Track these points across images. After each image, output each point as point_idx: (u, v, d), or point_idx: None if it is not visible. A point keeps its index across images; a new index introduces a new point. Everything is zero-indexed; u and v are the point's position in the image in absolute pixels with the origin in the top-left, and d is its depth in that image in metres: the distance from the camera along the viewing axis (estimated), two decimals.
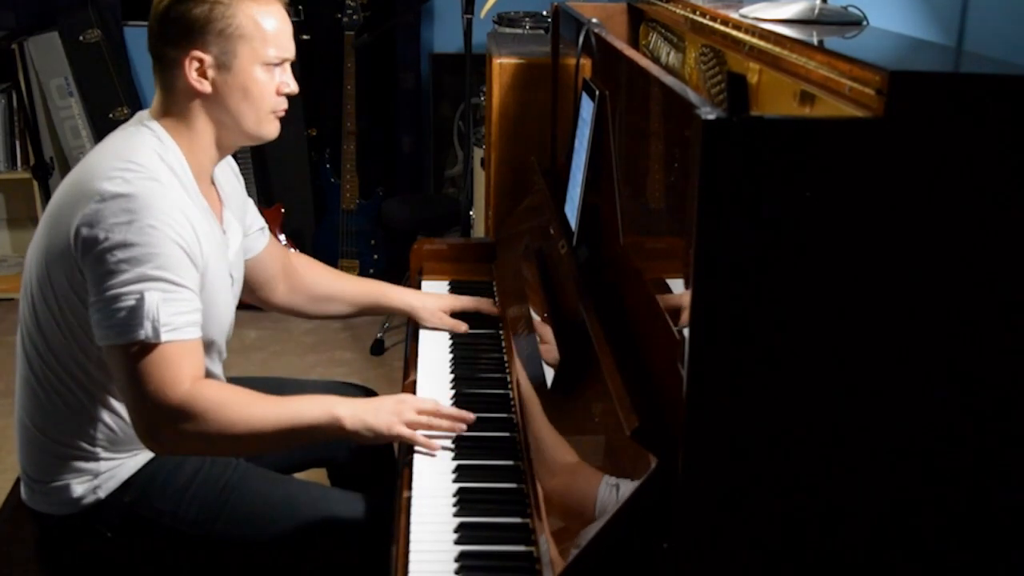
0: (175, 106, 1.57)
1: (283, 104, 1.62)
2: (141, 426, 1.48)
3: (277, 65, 1.58)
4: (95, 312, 1.44)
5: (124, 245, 1.42)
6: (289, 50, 1.60)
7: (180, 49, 1.52)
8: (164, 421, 1.45)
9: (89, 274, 1.44)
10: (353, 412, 1.53)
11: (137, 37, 4.21)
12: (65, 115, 4.16)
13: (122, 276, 1.42)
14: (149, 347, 1.42)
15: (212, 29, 1.51)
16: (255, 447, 1.60)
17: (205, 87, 1.54)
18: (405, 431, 1.54)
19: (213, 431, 1.46)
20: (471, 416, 1.60)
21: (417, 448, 1.54)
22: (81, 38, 4.06)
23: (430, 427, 1.56)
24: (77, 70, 4.09)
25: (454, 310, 2.02)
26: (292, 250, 1.95)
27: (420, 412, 1.56)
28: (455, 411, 1.60)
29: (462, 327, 1.99)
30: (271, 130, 1.62)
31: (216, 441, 1.48)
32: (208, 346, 1.62)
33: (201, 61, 1.53)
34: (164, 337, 1.42)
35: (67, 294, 1.50)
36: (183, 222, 1.47)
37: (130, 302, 1.41)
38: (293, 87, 1.61)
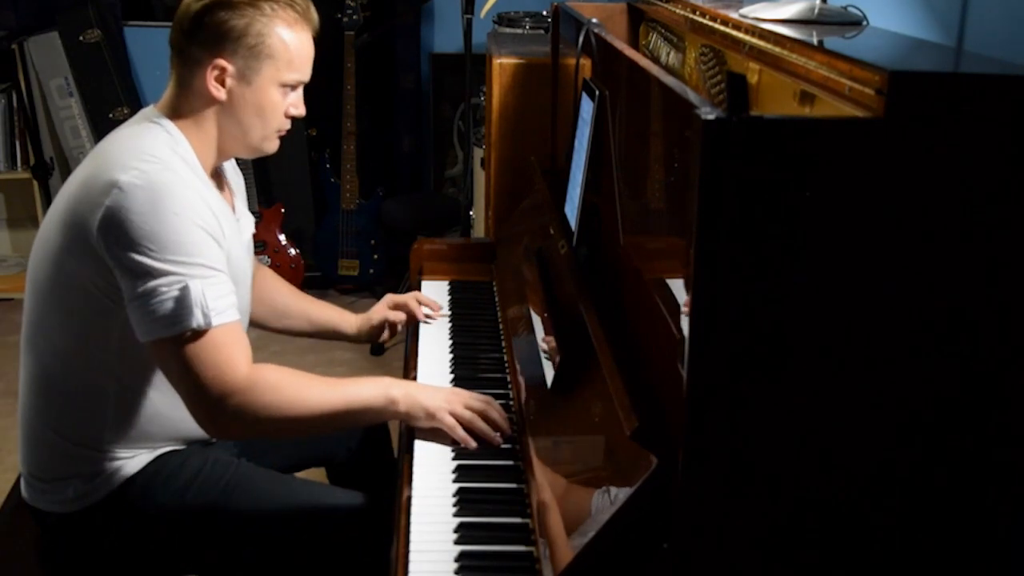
0: (186, 104, 1.57)
1: (288, 125, 1.64)
2: (203, 413, 1.48)
3: (292, 88, 1.60)
4: (135, 310, 1.44)
5: (154, 238, 1.42)
6: (307, 75, 1.62)
7: (206, 52, 1.53)
8: (226, 405, 1.45)
9: (120, 270, 1.44)
10: (407, 392, 1.56)
11: (137, 37, 4.21)
12: (65, 115, 4.16)
13: (158, 268, 1.42)
14: (200, 334, 1.43)
15: (244, 43, 1.53)
16: (313, 427, 1.60)
17: (221, 94, 1.55)
18: (449, 420, 1.55)
19: (274, 413, 1.47)
20: (506, 431, 1.58)
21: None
22: (81, 38, 4.06)
23: (471, 425, 1.56)
24: (77, 70, 4.09)
25: (395, 304, 2.05)
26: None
27: (468, 407, 1.57)
28: (500, 418, 1.58)
29: (401, 317, 2.02)
30: (272, 147, 1.65)
31: (277, 423, 1.49)
32: None
33: (223, 70, 1.53)
34: (215, 321, 1.43)
35: (86, 288, 1.50)
36: (204, 208, 1.48)
37: (174, 293, 1.42)
38: (302, 111, 1.63)
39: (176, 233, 1.43)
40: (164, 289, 1.42)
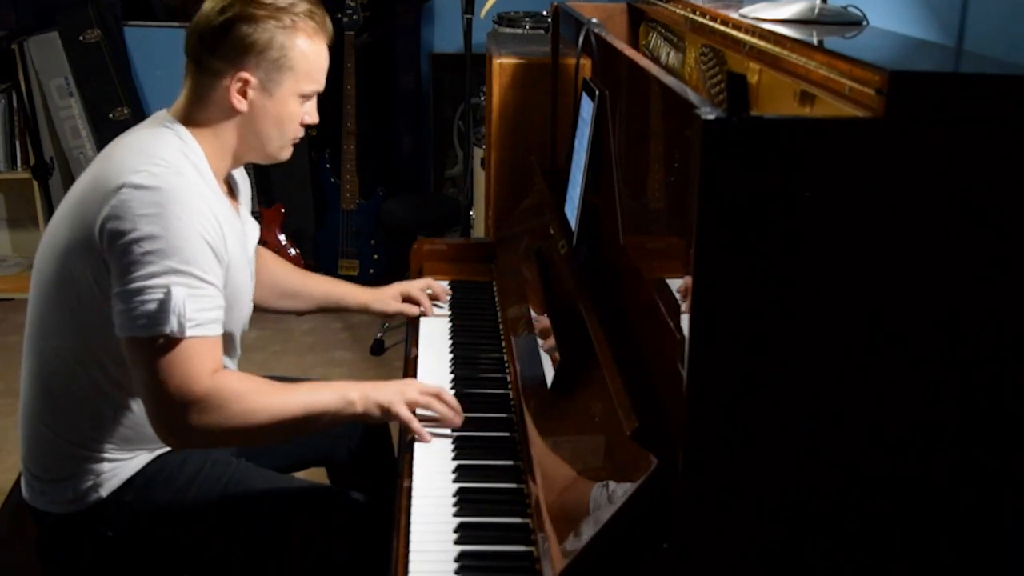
0: (203, 113, 1.57)
1: (302, 133, 1.65)
2: (161, 420, 1.48)
3: (309, 98, 1.62)
4: (118, 302, 1.44)
5: (151, 237, 1.42)
6: (322, 84, 1.64)
7: (229, 64, 1.54)
8: (185, 415, 1.45)
9: (114, 265, 1.44)
10: (363, 393, 1.56)
11: (137, 37, 4.21)
12: (65, 115, 4.16)
13: (148, 268, 1.42)
14: (173, 342, 1.43)
15: (267, 56, 1.54)
16: (274, 436, 1.60)
17: (242, 106, 1.56)
18: (404, 411, 1.56)
19: (234, 423, 1.47)
20: (460, 416, 1.60)
21: (415, 438, 1.56)
22: (81, 38, 4.06)
23: (429, 407, 1.58)
24: (77, 70, 4.08)
25: (404, 294, 2.08)
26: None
27: (423, 393, 1.59)
28: (454, 402, 1.61)
29: (415, 311, 2.04)
30: (286, 155, 1.67)
31: (236, 432, 1.49)
32: (227, 340, 1.63)
33: (246, 82, 1.54)
34: (189, 333, 1.43)
35: (89, 289, 1.50)
36: (210, 217, 1.48)
37: (157, 295, 1.42)
38: (315, 118, 1.65)
39: (175, 238, 1.43)
40: (149, 290, 1.42)
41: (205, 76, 1.56)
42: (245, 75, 1.54)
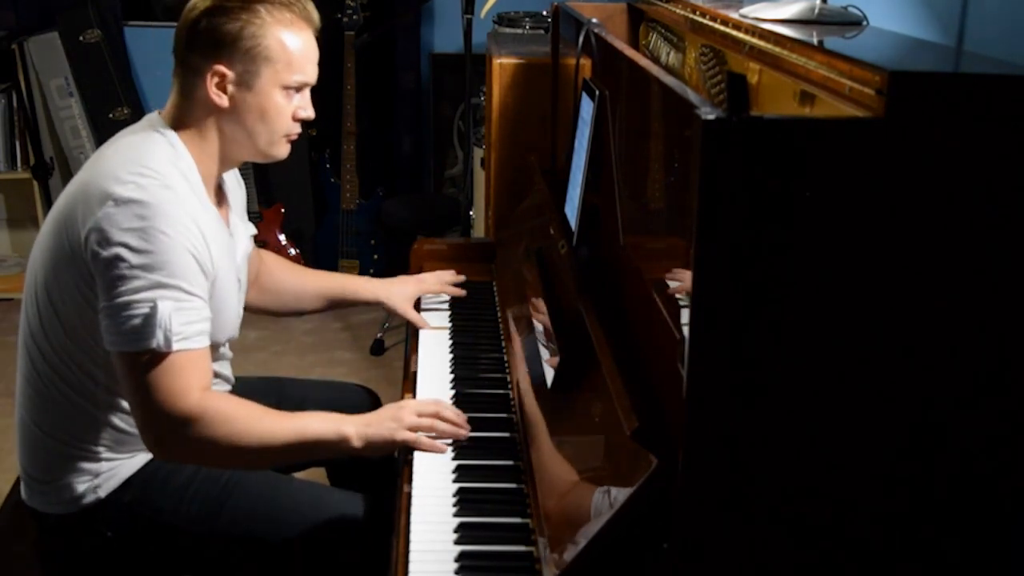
0: (190, 113, 1.56)
1: (297, 128, 1.61)
2: (148, 433, 1.48)
3: (297, 90, 1.59)
4: (105, 317, 1.44)
5: (137, 252, 1.41)
6: (311, 76, 1.60)
7: (204, 60, 1.52)
8: (172, 430, 1.46)
9: (99, 278, 1.44)
10: (357, 429, 1.53)
11: (137, 37, 4.21)
12: (65, 115, 4.16)
13: (134, 283, 1.41)
14: (160, 356, 1.43)
15: (240, 47, 1.51)
16: (261, 460, 1.59)
17: (223, 101, 1.54)
18: (408, 436, 1.53)
19: (221, 443, 1.47)
20: (464, 424, 1.58)
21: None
22: (81, 38, 4.06)
23: (432, 429, 1.55)
24: (77, 70, 4.08)
25: (421, 294, 2.07)
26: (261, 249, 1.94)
27: (420, 415, 1.56)
28: (456, 413, 1.59)
29: (425, 325, 2.01)
30: (282, 152, 1.63)
31: (223, 452, 1.49)
32: (215, 349, 1.62)
33: (223, 76, 1.52)
34: (175, 347, 1.43)
35: (75, 296, 1.50)
36: (195, 230, 1.47)
37: (143, 310, 1.41)
38: (310, 113, 1.61)
39: (161, 252, 1.42)
40: (135, 305, 1.41)
41: (187, 74, 1.55)
42: (221, 68, 1.52)
